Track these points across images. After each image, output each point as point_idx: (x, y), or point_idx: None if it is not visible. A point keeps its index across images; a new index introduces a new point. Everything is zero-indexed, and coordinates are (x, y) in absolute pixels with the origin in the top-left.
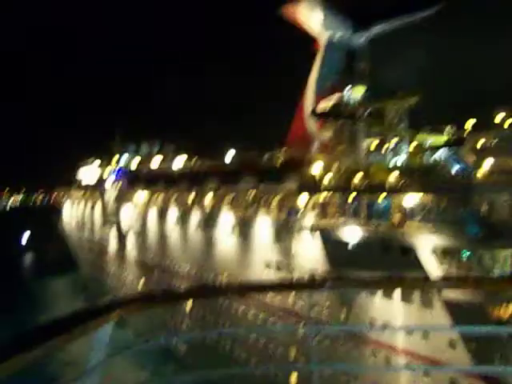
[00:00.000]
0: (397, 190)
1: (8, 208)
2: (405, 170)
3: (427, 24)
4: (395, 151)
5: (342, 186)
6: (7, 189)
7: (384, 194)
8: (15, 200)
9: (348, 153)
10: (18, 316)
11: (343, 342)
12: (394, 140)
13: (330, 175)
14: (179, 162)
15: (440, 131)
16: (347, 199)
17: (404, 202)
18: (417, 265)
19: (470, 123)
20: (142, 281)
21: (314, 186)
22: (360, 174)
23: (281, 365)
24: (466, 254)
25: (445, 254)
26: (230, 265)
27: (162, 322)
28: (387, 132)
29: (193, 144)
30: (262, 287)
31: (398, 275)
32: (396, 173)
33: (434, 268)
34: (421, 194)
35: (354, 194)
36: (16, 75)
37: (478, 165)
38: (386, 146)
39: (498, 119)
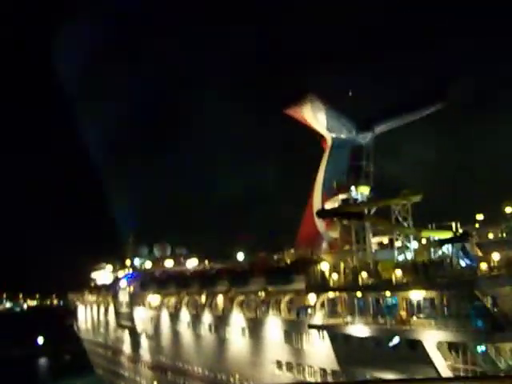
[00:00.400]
0: (402, 287)
1: (25, 309)
2: (409, 267)
3: (431, 121)
4: (401, 249)
5: (349, 284)
6: (21, 294)
7: (390, 291)
8: (30, 304)
9: (355, 251)
10: None
11: None
12: (400, 238)
13: (337, 274)
14: (190, 265)
15: (446, 227)
16: (355, 297)
17: (409, 298)
18: (425, 360)
19: (478, 217)
20: (156, 382)
21: (321, 285)
22: (366, 272)
23: None
24: (480, 348)
25: (450, 348)
26: (242, 365)
27: None
28: (393, 230)
29: (204, 247)
30: None
31: (411, 379)
32: (401, 270)
33: (440, 363)
34: (425, 289)
35: (361, 292)
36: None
37: (485, 259)
38: (392, 244)
39: (507, 211)
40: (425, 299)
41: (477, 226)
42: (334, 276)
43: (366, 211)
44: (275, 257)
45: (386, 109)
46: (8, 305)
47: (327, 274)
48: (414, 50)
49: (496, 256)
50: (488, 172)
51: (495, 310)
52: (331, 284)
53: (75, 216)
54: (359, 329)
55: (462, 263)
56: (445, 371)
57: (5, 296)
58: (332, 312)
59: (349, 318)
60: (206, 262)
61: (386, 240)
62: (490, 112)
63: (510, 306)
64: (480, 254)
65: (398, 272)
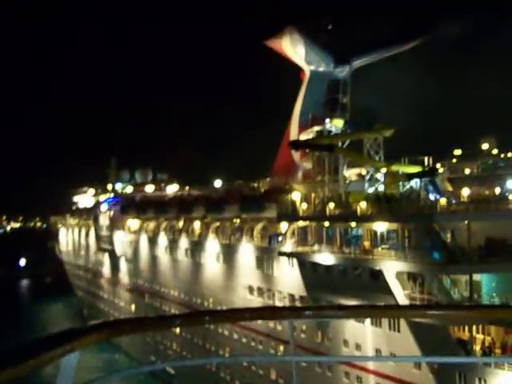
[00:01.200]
0: (366, 218)
1: (8, 231)
2: (375, 199)
3: (409, 56)
4: (371, 181)
5: (318, 214)
6: (4, 216)
7: (355, 221)
8: (13, 226)
9: (327, 182)
10: (9, 339)
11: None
12: (371, 170)
13: (307, 204)
14: (171, 191)
15: (418, 162)
16: (323, 227)
17: (373, 229)
18: (384, 288)
19: (455, 153)
20: (133, 305)
21: (291, 214)
22: (334, 203)
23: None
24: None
25: (409, 278)
26: (216, 290)
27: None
28: (364, 162)
29: (185, 173)
30: (248, 315)
31: (371, 305)
32: (366, 202)
33: (399, 292)
34: (388, 221)
35: (328, 221)
36: (15, 101)
37: (455, 194)
38: (363, 176)
39: (484, 148)
40: (389, 231)
41: (454, 161)
42: (304, 205)
43: (339, 143)
44: (252, 185)
45: (364, 43)
46: None
47: (298, 203)
48: None
49: (466, 191)
50: (468, 109)
51: (452, 243)
52: (301, 213)
53: (59, 139)
54: (326, 257)
55: (432, 197)
56: (403, 300)
57: None
58: (302, 240)
59: (316, 247)
60: (187, 188)
61: (364, 172)
62: (474, 50)
63: (466, 240)
64: (450, 188)
65: (363, 204)
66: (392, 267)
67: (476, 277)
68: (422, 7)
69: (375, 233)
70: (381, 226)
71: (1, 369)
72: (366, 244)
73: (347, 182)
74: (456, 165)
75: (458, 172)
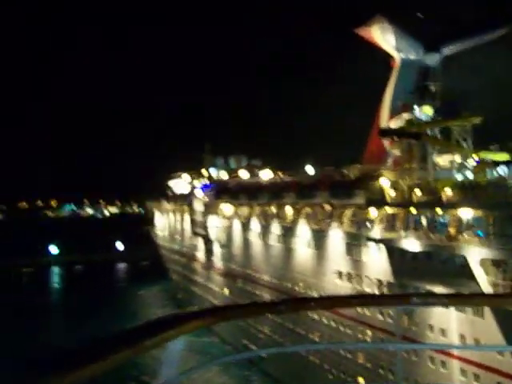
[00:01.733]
0: (451, 205)
1: (106, 215)
2: (461, 186)
3: (501, 43)
4: (460, 168)
5: (406, 201)
6: (102, 201)
7: (441, 208)
8: (110, 211)
9: (415, 169)
10: (107, 322)
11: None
12: (459, 157)
13: (394, 190)
14: (264, 177)
15: (507, 149)
16: (409, 213)
17: (459, 216)
18: (468, 275)
19: None
20: (226, 289)
21: (379, 201)
22: (420, 190)
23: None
24: None
25: (493, 265)
26: (306, 274)
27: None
28: (452, 150)
29: (278, 159)
30: (355, 302)
31: (475, 293)
32: (452, 189)
33: (482, 278)
34: (473, 208)
35: (415, 208)
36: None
37: None
38: (451, 164)
39: None
40: (474, 218)
41: None
42: (391, 192)
43: (428, 131)
44: (343, 171)
45: (455, 30)
46: (89, 211)
47: (386, 190)
48: None
49: None
50: None
51: None
52: (388, 200)
53: (156, 126)
54: (412, 243)
55: None
56: (485, 286)
57: (86, 202)
58: (390, 227)
59: (403, 233)
60: (280, 173)
61: (458, 159)
62: None
63: None
64: None
65: (448, 190)
66: (476, 254)
67: None
68: None
69: (460, 220)
70: (466, 213)
71: (111, 352)
72: (452, 231)
73: (437, 168)
74: None
75: None
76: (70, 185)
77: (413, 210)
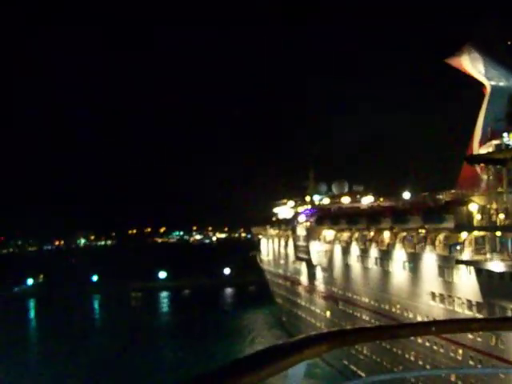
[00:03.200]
0: None
1: (214, 241)
2: None
3: None
4: None
5: (491, 225)
6: (210, 227)
7: None
8: (218, 236)
9: (504, 194)
10: (215, 345)
11: None
12: None
13: (480, 215)
14: (366, 202)
15: None
16: (495, 236)
17: None
18: None
19: None
20: (328, 312)
21: (468, 225)
22: (504, 214)
23: None
24: None
25: None
26: (402, 296)
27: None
28: None
29: (380, 184)
30: (476, 326)
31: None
32: None
33: None
34: None
35: (500, 231)
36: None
37: None
38: None
39: None
40: None
41: None
42: (478, 216)
43: None
44: (437, 197)
45: None
46: (198, 237)
47: (474, 214)
48: None
49: None
50: None
51: None
52: (475, 224)
53: (260, 154)
54: (498, 265)
55: None
56: None
57: (195, 229)
58: (478, 249)
59: (489, 255)
60: (381, 199)
61: None
62: None
63: None
64: None
65: None
66: None
67: None
68: None
69: None
70: None
71: (233, 379)
72: None
73: None
74: None
75: None
76: (179, 214)
77: (498, 233)
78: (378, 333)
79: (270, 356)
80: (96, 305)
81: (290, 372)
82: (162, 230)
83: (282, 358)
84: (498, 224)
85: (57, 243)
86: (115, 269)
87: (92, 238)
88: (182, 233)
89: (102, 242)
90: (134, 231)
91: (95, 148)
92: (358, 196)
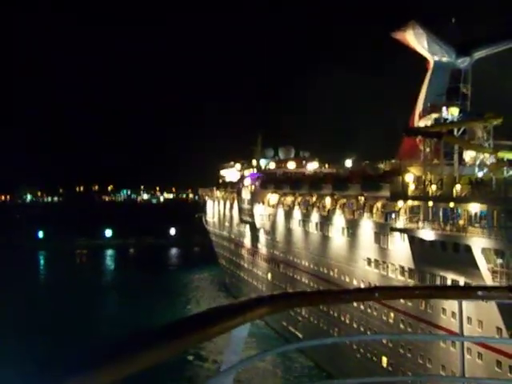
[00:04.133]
0: (462, 200)
1: (162, 201)
2: (469, 183)
3: None
4: (480, 166)
5: (424, 195)
6: (158, 187)
7: (453, 202)
8: (166, 197)
9: (441, 166)
10: (159, 303)
11: None
12: (479, 156)
13: (418, 185)
14: (311, 168)
15: None
16: (427, 206)
17: (468, 209)
18: (473, 262)
19: None
20: (270, 274)
21: (402, 194)
22: (439, 185)
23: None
24: None
25: (494, 254)
26: (340, 261)
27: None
28: (472, 149)
29: (327, 151)
30: (418, 293)
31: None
32: (462, 185)
33: (483, 266)
34: (479, 203)
35: (432, 201)
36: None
37: None
38: (472, 161)
39: None
40: (481, 212)
41: None
42: (412, 186)
43: (455, 130)
44: (378, 166)
45: (486, 35)
46: (145, 196)
47: (409, 184)
48: None
49: None
50: None
51: None
52: (409, 194)
53: (211, 117)
54: (429, 233)
55: None
56: (486, 273)
57: (142, 188)
58: (412, 218)
59: (421, 224)
60: (326, 165)
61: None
62: None
63: None
64: None
65: (458, 187)
66: (479, 244)
67: None
68: None
69: (469, 213)
70: (474, 207)
71: (177, 338)
72: (461, 222)
73: (462, 165)
74: None
75: None
76: (126, 172)
77: (430, 203)
78: (322, 297)
79: (214, 317)
80: (41, 261)
81: (233, 333)
82: (110, 188)
83: (226, 319)
84: (431, 194)
85: (2, 198)
86: (61, 226)
87: (39, 193)
88: (129, 192)
89: (49, 199)
90: (82, 188)
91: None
92: (304, 162)
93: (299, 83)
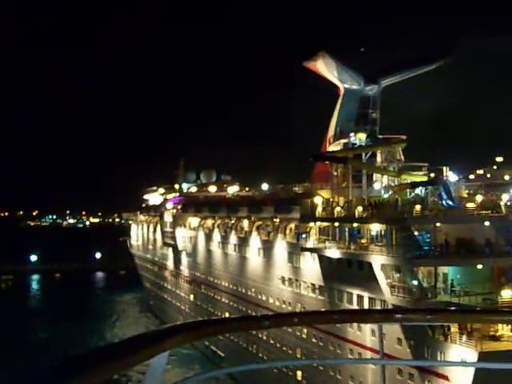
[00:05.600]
0: (363, 220)
1: (88, 225)
2: (368, 205)
3: (436, 74)
4: (386, 188)
5: (330, 216)
6: (84, 212)
7: (356, 222)
8: (92, 221)
9: (346, 189)
10: (87, 327)
11: None
12: (384, 179)
13: (326, 207)
14: (231, 191)
15: (434, 171)
16: (333, 226)
17: (369, 229)
18: (374, 278)
19: (497, 159)
20: (192, 295)
21: (311, 216)
22: (340, 207)
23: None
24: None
25: (392, 269)
26: (257, 280)
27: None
28: (377, 172)
29: (246, 176)
30: (338, 317)
31: (459, 309)
32: (363, 206)
33: (382, 281)
34: (378, 223)
35: (338, 222)
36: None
37: (470, 200)
38: (377, 184)
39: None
40: (380, 231)
41: (494, 167)
42: (320, 208)
43: (363, 155)
44: (292, 189)
45: (392, 64)
46: (71, 221)
47: (318, 206)
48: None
49: (479, 198)
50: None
51: (427, 241)
52: (317, 215)
53: (135, 141)
54: (335, 252)
55: (444, 203)
56: (385, 287)
57: (68, 213)
58: (321, 238)
59: (329, 244)
60: (246, 189)
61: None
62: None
63: (440, 239)
64: (465, 195)
65: (360, 208)
66: (378, 260)
67: (444, 269)
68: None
69: (371, 232)
70: (374, 227)
71: (92, 369)
72: (363, 241)
73: (371, 187)
74: (497, 171)
75: (498, 178)
76: (51, 197)
77: (336, 224)
78: (240, 324)
79: (131, 345)
80: None
81: (152, 362)
82: (35, 213)
83: (144, 347)
84: (336, 216)
85: None
86: None
87: None
88: (55, 216)
89: None
90: (6, 214)
91: None
92: (225, 185)
93: (221, 109)
